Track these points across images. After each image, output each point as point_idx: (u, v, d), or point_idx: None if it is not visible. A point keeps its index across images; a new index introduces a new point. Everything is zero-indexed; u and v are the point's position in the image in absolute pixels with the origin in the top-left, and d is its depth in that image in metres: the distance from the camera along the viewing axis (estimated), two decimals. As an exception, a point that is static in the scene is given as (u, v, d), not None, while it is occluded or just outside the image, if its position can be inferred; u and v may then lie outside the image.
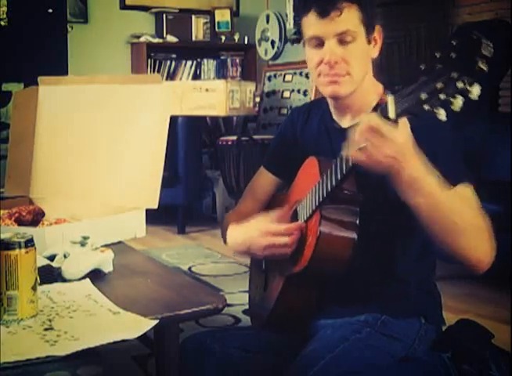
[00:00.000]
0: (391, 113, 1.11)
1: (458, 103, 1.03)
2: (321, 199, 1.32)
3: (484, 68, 1.00)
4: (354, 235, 1.31)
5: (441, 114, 1.04)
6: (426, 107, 1.05)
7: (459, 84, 1.02)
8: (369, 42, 1.41)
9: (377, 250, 1.31)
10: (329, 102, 1.51)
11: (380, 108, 1.14)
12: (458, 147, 1.39)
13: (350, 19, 1.38)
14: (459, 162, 1.37)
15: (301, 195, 1.44)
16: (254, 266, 1.74)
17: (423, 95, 1.05)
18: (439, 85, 1.04)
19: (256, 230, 1.43)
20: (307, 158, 1.50)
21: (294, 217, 1.47)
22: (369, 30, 1.40)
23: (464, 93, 1.02)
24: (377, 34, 1.43)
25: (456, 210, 1.24)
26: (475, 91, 1.02)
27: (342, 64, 1.40)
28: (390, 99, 1.11)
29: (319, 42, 1.41)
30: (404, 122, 1.14)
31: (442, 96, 1.03)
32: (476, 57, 1.00)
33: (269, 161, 1.70)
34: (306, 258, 1.34)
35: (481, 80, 1.01)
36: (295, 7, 5.05)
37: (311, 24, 1.40)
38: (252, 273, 1.75)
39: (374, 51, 1.44)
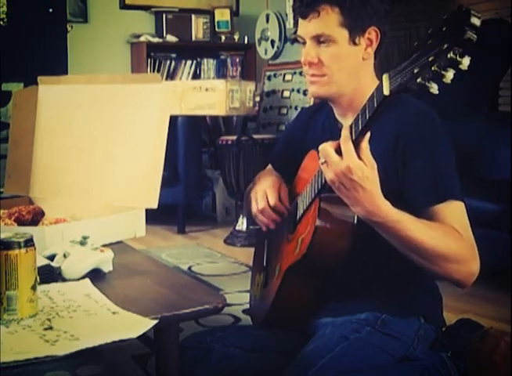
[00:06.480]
0: (386, 90, 1.12)
1: (449, 75, 1.03)
2: (319, 187, 1.33)
3: (473, 38, 1.00)
4: (353, 220, 1.31)
5: (434, 88, 1.05)
6: (418, 81, 1.06)
7: (450, 55, 1.02)
8: (354, 44, 1.39)
9: (378, 247, 1.31)
10: (330, 102, 1.52)
11: (376, 87, 1.15)
12: (452, 156, 1.39)
13: (327, 22, 1.38)
14: (453, 173, 1.36)
15: (302, 188, 1.46)
16: (256, 265, 1.74)
17: (416, 69, 1.06)
18: (431, 58, 1.04)
19: (262, 190, 1.56)
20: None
21: (295, 209, 1.48)
22: (354, 32, 1.39)
23: (455, 64, 1.02)
24: (372, 35, 1.41)
25: (419, 238, 1.24)
26: (465, 62, 1.02)
27: (319, 65, 1.41)
28: (384, 77, 1.13)
29: (304, 42, 1.43)
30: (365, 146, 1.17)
31: (434, 68, 1.04)
32: (465, 27, 1.00)
33: (274, 157, 1.74)
34: (305, 245, 1.34)
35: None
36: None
37: (299, 24, 1.44)
38: (253, 272, 1.75)
39: (367, 52, 1.42)
